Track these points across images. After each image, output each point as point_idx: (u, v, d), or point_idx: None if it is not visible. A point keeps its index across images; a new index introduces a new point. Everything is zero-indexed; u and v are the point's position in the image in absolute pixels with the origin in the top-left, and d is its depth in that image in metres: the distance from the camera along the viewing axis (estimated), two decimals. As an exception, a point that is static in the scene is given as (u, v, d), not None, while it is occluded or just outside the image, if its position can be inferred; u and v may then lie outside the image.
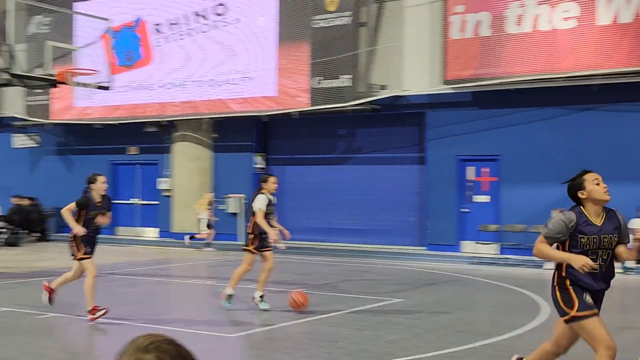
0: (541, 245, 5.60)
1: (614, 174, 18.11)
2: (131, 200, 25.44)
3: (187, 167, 23.85)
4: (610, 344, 5.37)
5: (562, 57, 18.06)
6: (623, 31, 17.41)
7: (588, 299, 5.52)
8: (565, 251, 5.58)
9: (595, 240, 5.52)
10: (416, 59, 20.50)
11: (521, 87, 18.97)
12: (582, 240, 5.51)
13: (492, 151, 19.73)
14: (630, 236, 16.58)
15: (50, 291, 10.27)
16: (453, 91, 19.96)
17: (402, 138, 21.61)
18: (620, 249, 5.64)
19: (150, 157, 24.93)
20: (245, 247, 10.95)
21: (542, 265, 16.70)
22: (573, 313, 5.48)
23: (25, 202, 24.13)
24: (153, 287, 14.08)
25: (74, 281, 10.25)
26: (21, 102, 26.23)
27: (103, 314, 9.62)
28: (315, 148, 22.81)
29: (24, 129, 26.97)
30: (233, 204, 23.24)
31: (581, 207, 5.73)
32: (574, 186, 5.85)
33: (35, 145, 27.13)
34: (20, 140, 27.47)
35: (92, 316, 9.62)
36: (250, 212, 11.08)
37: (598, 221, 5.60)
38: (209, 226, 21.61)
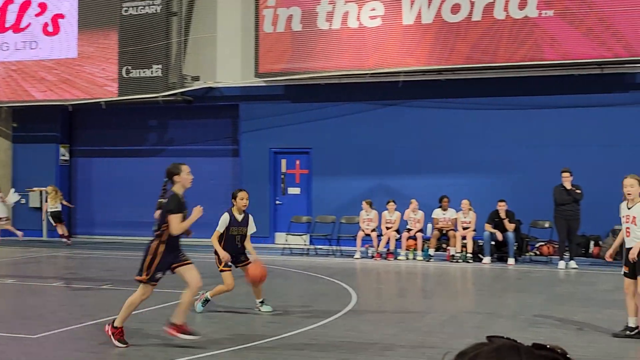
0: None
1: (417, 167, 19.11)
2: None
3: (-16, 159, 22.38)
4: None
5: (370, 54, 18.73)
6: (424, 31, 18.34)
7: None
8: None
9: None
10: (229, 51, 20.47)
11: (331, 82, 19.49)
12: None
13: (304, 144, 20.12)
14: (429, 225, 17.65)
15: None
16: (266, 84, 20.14)
17: (215, 130, 21.50)
18: None
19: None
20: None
21: (353, 255, 17.27)
22: None
23: None
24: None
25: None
26: None
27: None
28: (126, 139, 22.17)
29: None
30: (35, 197, 22.09)
31: None
32: None
33: None
34: None
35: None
36: None
37: None
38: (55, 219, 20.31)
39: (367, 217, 17.69)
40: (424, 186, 18.58)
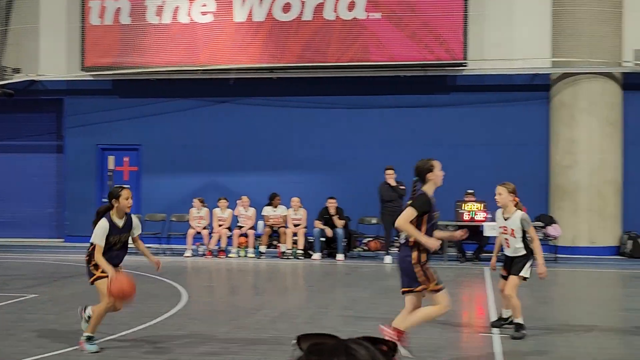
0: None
1: (248, 165, 19.14)
2: None
3: None
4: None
5: (201, 50, 18.55)
6: (256, 29, 18.41)
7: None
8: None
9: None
10: (53, 43, 19.57)
11: (161, 78, 19.11)
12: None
13: (133, 141, 19.61)
14: (260, 222, 17.73)
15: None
16: (93, 78, 19.43)
17: (38, 125, 20.50)
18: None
19: None
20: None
21: (182, 254, 17.02)
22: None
23: None
24: None
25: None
26: None
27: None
28: (-62, 134, 20.67)
29: None
30: None
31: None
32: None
33: None
34: None
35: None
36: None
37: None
38: None
39: (197, 215, 17.51)
40: (255, 183, 18.64)
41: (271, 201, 17.51)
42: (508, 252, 8.32)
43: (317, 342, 1.50)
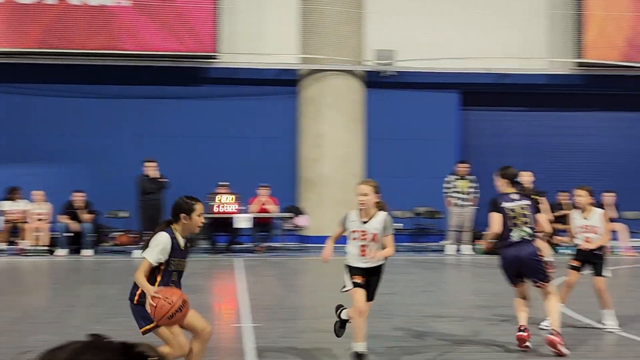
0: None
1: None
2: None
3: None
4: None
5: None
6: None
7: None
8: None
9: None
10: None
11: None
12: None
13: None
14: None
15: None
16: None
17: None
18: None
19: None
20: None
21: None
22: None
23: None
24: None
25: None
26: None
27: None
28: None
29: None
30: None
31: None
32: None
33: None
34: None
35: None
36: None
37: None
38: None
39: None
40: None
41: (10, 195, 16.38)
42: (366, 263, 6.83)
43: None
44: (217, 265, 14.51)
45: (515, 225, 7.43)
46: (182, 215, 5.86)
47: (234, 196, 16.47)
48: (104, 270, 14.02)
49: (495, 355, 7.14)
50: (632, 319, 8.93)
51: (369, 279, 6.81)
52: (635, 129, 20.09)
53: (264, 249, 16.73)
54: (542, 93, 19.69)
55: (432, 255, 16.50)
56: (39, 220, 16.23)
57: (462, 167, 17.12)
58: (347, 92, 18.61)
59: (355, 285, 6.77)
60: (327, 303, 10.13)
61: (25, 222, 16.16)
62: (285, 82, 18.91)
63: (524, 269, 7.45)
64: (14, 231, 16.36)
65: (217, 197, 16.48)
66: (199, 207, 5.97)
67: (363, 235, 6.90)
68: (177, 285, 5.83)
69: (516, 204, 7.52)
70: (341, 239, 7.16)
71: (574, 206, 8.96)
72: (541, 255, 7.58)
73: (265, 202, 16.96)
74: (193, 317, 5.81)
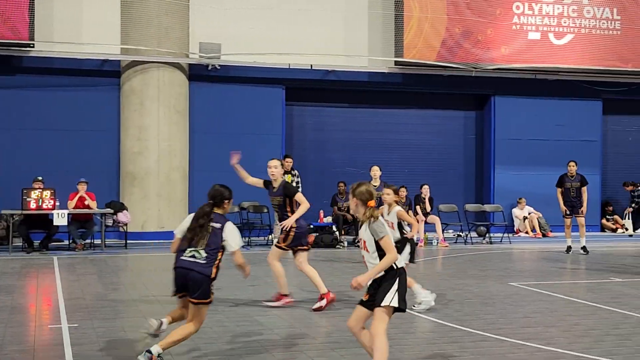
0: None
1: None
2: None
3: None
4: None
5: None
6: None
7: None
8: None
9: None
10: None
11: None
12: None
13: None
14: None
15: None
16: None
17: None
18: None
19: None
20: None
21: None
22: None
23: None
24: None
25: None
26: None
27: None
28: None
29: None
30: None
31: None
32: None
33: None
34: None
35: None
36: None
37: None
38: None
39: None
40: None
41: None
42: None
43: None
44: (33, 264, 13.79)
45: None
46: (225, 202, 6.48)
47: (50, 191, 15.70)
48: None
49: (323, 347, 7.28)
50: (445, 305, 9.42)
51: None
52: (448, 126, 21.23)
53: (83, 247, 16.12)
54: (363, 90, 20.32)
55: (258, 250, 16.57)
56: None
57: (286, 162, 17.31)
58: (171, 84, 18.30)
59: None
60: (149, 300, 9.93)
61: None
62: (107, 73, 18.33)
63: None
64: None
65: (32, 192, 15.65)
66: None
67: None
68: None
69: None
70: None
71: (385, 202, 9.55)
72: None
73: (84, 197, 16.32)
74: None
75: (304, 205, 9.27)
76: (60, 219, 15.45)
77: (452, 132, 21.18)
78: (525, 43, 20.18)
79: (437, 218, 18.38)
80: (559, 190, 16.25)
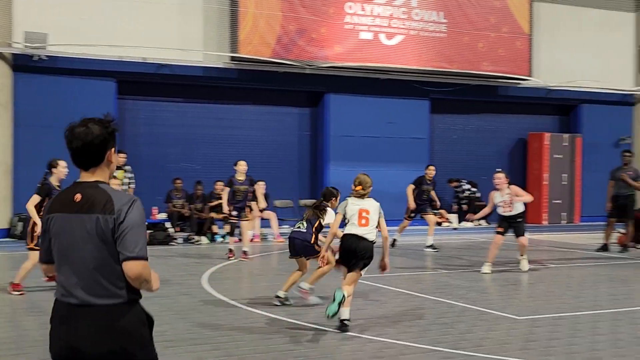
0: None
1: None
2: None
3: None
4: None
5: None
6: None
7: None
8: None
9: None
10: None
11: None
12: None
13: None
14: None
15: None
16: None
17: None
18: None
19: None
20: None
21: None
22: None
23: None
24: None
25: None
26: None
27: None
28: None
29: None
30: None
31: None
32: None
33: None
34: None
35: None
36: None
37: None
38: None
39: None
40: None
41: None
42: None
43: None
44: None
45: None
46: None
47: None
48: None
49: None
50: (269, 299, 9.50)
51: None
52: (283, 122, 21.39)
53: None
54: (199, 85, 20.06)
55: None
56: None
57: (120, 157, 16.83)
58: (-7, 75, 17.24)
59: None
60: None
61: None
62: None
63: None
64: None
65: None
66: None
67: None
68: None
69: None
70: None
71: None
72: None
73: None
74: None
75: None
76: None
77: (287, 128, 21.36)
78: (358, 42, 20.68)
79: (273, 214, 18.49)
80: (412, 187, 16.45)
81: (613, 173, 16.56)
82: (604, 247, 16.20)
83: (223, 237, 17.78)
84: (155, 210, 18.10)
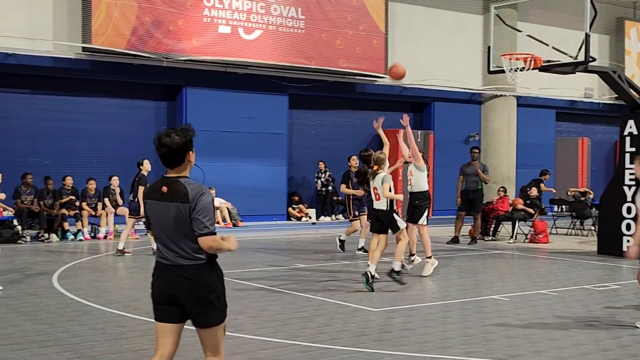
0: None
1: None
2: None
3: None
4: None
5: None
6: None
7: None
8: None
9: None
10: None
11: None
12: None
13: None
14: None
15: None
16: None
17: None
18: None
19: None
20: None
21: None
22: None
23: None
24: None
25: None
26: None
27: None
28: None
29: None
30: None
31: None
32: None
33: None
34: None
35: None
36: None
37: None
38: None
39: None
40: None
41: None
42: None
43: None
44: None
45: None
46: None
47: None
48: None
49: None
50: (137, 300, 9.22)
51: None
52: (139, 116, 20.85)
53: None
54: (48, 76, 19.20)
55: None
56: None
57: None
58: None
59: None
60: None
61: None
62: None
63: None
64: None
65: None
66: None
67: None
68: None
69: None
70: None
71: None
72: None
73: None
74: None
75: None
76: None
77: (143, 122, 20.79)
78: (216, 36, 20.45)
79: (126, 209, 18.00)
80: (344, 186, 14.89)
81: (462, 169, 17.32)
82: (455, 240, 16.93)
83: (75, 234, 17.16)
84: None
